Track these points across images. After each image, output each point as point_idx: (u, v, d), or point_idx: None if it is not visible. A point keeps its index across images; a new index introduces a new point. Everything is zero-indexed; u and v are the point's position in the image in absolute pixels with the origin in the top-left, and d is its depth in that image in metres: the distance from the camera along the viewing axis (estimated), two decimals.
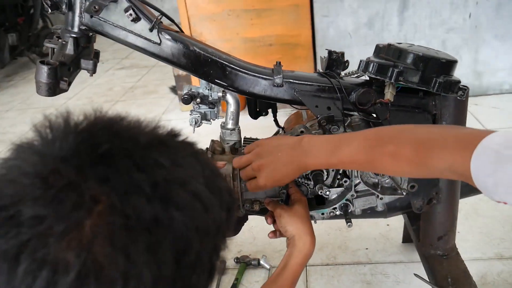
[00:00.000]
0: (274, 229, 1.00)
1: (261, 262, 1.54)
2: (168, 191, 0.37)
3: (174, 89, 3.32)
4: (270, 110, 1.08)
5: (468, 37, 2.53)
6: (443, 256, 1.13)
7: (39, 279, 0.31)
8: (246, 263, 1.56)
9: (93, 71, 0.92)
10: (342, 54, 0.99)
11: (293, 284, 0.85)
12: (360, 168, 0.82)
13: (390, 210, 1.20)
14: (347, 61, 0.99)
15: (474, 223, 1.66)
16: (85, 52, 0.92)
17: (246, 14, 2.60)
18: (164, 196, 0.36)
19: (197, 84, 1.04)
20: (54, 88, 0.84)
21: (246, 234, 1.74)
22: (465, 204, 1.73)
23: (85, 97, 3.50)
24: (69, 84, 0.87)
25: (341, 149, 0.78)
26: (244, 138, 1.08)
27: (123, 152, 0.37)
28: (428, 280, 1.13)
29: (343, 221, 1.74)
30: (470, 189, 1.24)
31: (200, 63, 0.93)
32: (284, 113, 1.38)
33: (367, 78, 1.00)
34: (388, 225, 1.69)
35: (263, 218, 1.82)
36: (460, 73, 0.92)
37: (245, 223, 1.46)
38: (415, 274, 1.16)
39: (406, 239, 1.59)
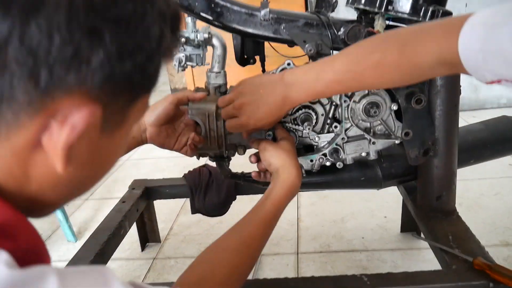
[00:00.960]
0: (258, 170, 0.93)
1: None
2: None
3: None
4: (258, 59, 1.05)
5: None
6: (443, 218, 1.05)
7: None
8: None
9: None
10: None
11: (275, 216, 0.77)
12: (347, 89, 0.77)
13: (385, 178, 1.13)
14: (336, 1, 0.97)
15: (477, 214, 1.57)
16: None
17: None
18: None
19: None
20: None
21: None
22: (466, 199, 1.66)
23: None
24: None
25: (325, 72, 0.74)
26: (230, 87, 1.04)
27: None
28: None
29: (338, 213, 1.67)
30: (470, 156, 1.18)
31: None
32: None
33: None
34: (385, 217, 1.60)
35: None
36: None
37: (231, 210, 1.39)
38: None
39: (405, 228, 1.50)
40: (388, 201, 1.68)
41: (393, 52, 0.66)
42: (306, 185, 1.15)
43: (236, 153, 0.99)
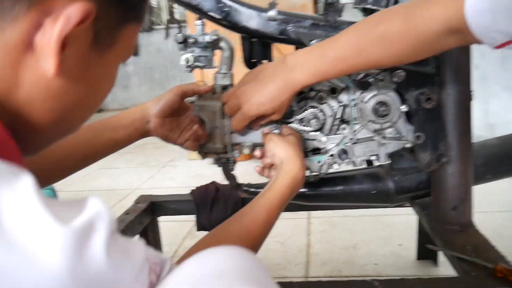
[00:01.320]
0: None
1: None
2: None
3: None
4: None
5: (477, 88, 2.54)
6: (460, 231, 0.99)
7: None
8: None
9: None
10: (338, 0, 0.98)
11: (278, 205, 0.73)
12: (352, 67, 0.74)
13: (397, 192, 1.09)
14: (344, 5, 0.98)
15: (497, 243, 1.47)
16: None
17: None
18: None
19: None
20: None
21: None
22: (486, 229, 1.57)
23: None
24: None
25: (328, 50, 0.74)
26: None
27: None
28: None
29: (349, 240, 1.59)
30: (486, 171, 1.13)
31: None
32: None
33: None
34: (400, 244, 1.52)
35: None
36: None
37: None
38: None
39: (421, 255, 1.41)
40: (402, 230, 1.61)
41: (398, 22, 0.64)
42: (315, 197, 1.10)
43: (241, 152, 0.97)
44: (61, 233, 0.31)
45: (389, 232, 1.61)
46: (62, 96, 0.38)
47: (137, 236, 1.26)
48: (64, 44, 0.35)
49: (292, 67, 0.76)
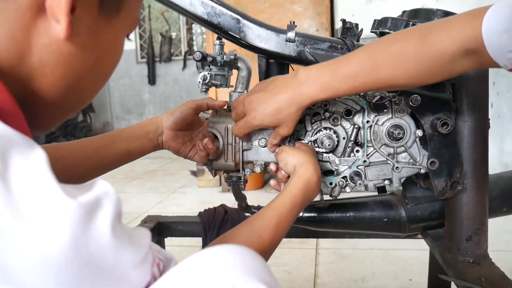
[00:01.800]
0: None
1: None
2: None
3: (194, 173, 3.34)
4: None
5: (492, 127, 2.52)
6: (474, 263, 0.95)
7: None
8: None
9: None
10: (356, 25, 1.00)
11: (290, 211, 0.71)
12: (362, 85, 0.73)
13: (410, 221, 1.07)
14: (362, 29, 0.99)
15: None
16: None
17: None
18: None
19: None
20: None
21: None
22: (502, 269, 1.52)
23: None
24: None
25: (340, 67, 0.73)
26: None
27: None
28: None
29: (358, 273, 1.55)
30: (502, 203, 1.10)
31: (215, 14, 0.95)
32: None
33: None
34: (410, 279, 1.47)
35: None
36: None
37: None
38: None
39: None
40: (412, 265, 1.56)
41: (414, 41, 0.64)
42: (325, 223, 1.09)
43: (253, 171, 0.96)
44: (69, 205, 0.31)
45: (400, 267, 1.57)
46: (72, 61, 0.39)
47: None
48: (74, 8, 0.36)
49: (303, 81, 0.76)
